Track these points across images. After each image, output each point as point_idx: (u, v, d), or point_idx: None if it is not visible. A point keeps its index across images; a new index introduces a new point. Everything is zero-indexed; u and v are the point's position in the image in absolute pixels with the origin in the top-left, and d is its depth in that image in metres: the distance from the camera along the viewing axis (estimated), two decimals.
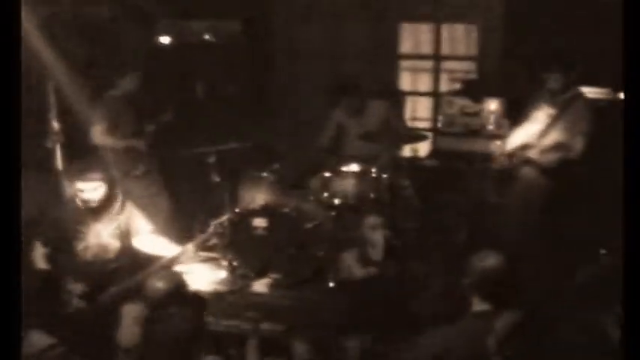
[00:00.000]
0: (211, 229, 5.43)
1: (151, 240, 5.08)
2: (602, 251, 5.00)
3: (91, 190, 4.80)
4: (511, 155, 5.58)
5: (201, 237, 5.36)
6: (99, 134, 6.00)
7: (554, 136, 5.40)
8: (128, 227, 4.99)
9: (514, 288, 3.89)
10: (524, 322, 3.75)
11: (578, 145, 5.30)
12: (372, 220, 5.39)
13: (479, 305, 3.87)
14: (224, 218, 5.53)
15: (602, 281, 4.44)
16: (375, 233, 5.31)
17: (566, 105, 5.36)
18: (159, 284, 4.34)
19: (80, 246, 4.84)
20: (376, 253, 5.27)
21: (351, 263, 5.36)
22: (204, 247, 5.80)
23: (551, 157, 5.37)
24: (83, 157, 5.77)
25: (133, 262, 4.95)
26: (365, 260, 5.35)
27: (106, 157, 5.92)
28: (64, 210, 5.03)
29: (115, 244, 4.93)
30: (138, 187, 6.07)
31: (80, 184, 4.80)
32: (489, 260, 3.89)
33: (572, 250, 5.22)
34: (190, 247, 5.13)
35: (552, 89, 5.41)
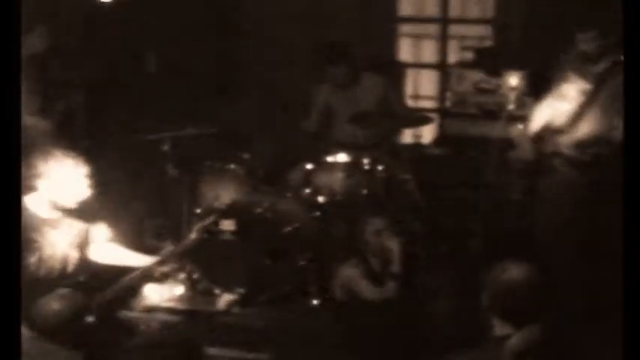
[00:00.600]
0: (194, 235, 5.36)
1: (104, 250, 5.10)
2: None
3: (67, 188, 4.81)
4: (537, 142, 5.56)
5: (181, 244, 5.33)
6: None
7: (588, 120, 5.37)
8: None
9: (542, 305, 3.91)
10: (548, 340, 3.78)
11: (620, 131, 5.24)
12: (377, 222, 5.39)
13: (501, 328, 3.89)
14: (211, 219, 5.51)
15: None
16: (386, 240, 5.30)
17: (603, 78, 5.31)
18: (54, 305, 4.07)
19: (32, 259, 4.76)
20: (394, 266, 5.24)
21: (355, 279, 5.30)
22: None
23: (586, 147, 5.34)
24: None
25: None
26: (373, 275, 5.31)
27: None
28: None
29: (71, 255, 4.89)
30: None
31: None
32: (513, 273, 3.91)
33: (612, 259, 5.25)
34: (166, 256, 5.16)
35: (585, 52, 5.29)
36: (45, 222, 4.76)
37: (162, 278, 5.62)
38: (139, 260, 5.11)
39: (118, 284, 4.87)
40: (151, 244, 6.17)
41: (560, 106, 5.45)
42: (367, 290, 5.21)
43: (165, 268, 5.69)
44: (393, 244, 5.24)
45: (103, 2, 6.68)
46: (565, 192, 5.46)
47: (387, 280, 5.19)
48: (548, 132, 5.51)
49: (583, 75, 5.35)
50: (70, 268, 4.85)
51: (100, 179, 6.29)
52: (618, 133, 5.13)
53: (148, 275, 5.19)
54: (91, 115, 6.58)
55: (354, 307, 5.21)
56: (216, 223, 5.47)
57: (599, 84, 5.27)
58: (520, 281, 3.87)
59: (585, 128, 5.35)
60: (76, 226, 4.90)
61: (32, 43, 5.92)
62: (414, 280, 5.61)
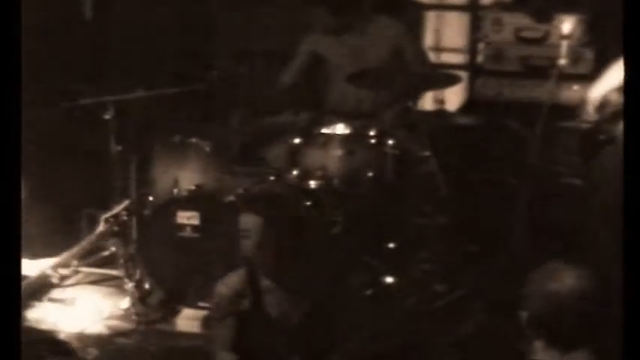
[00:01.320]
0: (100, 227, 5.36)
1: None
2: None
3: None
4: (602, 108, 5.52)
5: (84, 242, 5.33)
6: None
7: None
8: None
9: (600, 324, 3.91)
10: None
11: None
12: None
13: (543, 353, 3.89)
14: (121, 207, 5.48)
15: None
16: None
17: None
18: None
19: None
20: None
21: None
22: (93, 259, 5.83)
23: None
24: None
25: None
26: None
27: None
28: None
29: None
30: None
31: None
32: (565, 281, 3.90)
33: None
34: (69, 258, 5.14)
35: None
36: None
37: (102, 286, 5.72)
38: (32, 267, 5.15)
39: None
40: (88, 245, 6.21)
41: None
42: None
43: (107, 272, 5.79)
44: None
45: None
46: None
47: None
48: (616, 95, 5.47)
49: None
50: None
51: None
52: None
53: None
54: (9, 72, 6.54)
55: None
56: (129, 211, 5.59)
57: None
58: (572, 292, 3.85)
59: None
60: None
61: None
62: (430, 289, 5.65)
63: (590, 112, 5.52)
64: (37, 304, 5.58)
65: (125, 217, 5.68)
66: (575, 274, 3.89)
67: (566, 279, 3.88)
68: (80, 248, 5.39)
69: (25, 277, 5.26)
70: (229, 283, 4.64)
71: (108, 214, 5.56)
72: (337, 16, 6.34)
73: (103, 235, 5.56)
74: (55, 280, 5.61)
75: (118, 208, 5.60)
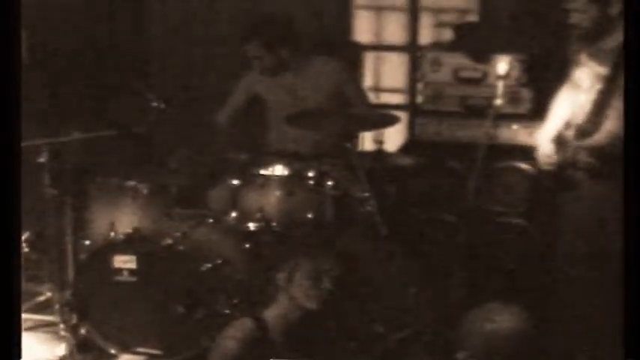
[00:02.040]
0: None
1: None
2: None
3: None
4: (558, 146, 5.48)
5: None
6: None
7: (617, 114, 5.34)
8: None
9: None
10: None
11: None
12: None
13: None
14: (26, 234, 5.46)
15: None
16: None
17: (618, 58, 5.32)
18: None
19: None
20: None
21: None
22: (28, 305, 5.90)
23: (608, 148, 5.32)
24: None
25: None
26: None
27: None
28: None
29: None
30: None
31: None
32: (501, 320, 3.91)
33: None
34: None
35: (580, 26, 5.32)
36: None
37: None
38: None
39: None
40: (23, 289, 6.14)
41: (576, 99, 5.47)
42: None
43: (43, 318, 5.76)
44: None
45: None
46: (585, 212, 5.45)
47: None
48: (568, 133, 5.49)
49: (593, 55, 5.36)
50: None
51: None
52: None
53: None
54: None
55: None
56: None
57: (618, 67, 5.27)
58: (508, 332, 3.87)
59: (607, 126, 5.33)
60: None
61: None
62: (371, 331, 5.65)
63: (548, 154, 5.55)
64: None
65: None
66: (512, 314, 3.92)
67: (502, 320, 3.90)
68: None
69: None
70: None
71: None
72: (271, 54, 6.34)
73: None
74: None
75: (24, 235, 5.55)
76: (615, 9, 5.16)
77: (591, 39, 5.31)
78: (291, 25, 6.49)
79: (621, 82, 5.17)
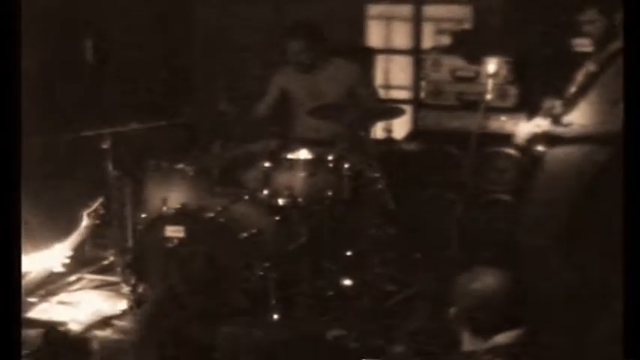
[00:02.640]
0: (85, 221, 5.35)
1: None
2: None
3: None
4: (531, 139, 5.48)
5: (74, 235, 5.33)
6: None
7: (586, 105, 5.36)
8: None
9: (517, 316, 3.92)
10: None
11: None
12: None
13: (469, 343, 3.90)
14: (97, 203, 5.52)
15: None
16: None
17: (609, 61, 5.29)
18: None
19: None
20: None
21: None
22: (95, 267, 5.92)
23: (589, 135, 5.27)
24: None
25: None
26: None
27: None
28: None
29: None
30: None
31: None
32: (485, 281, 3.91)
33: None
34: (59, 250, 5.16)
35: (591, 33, 5.31)
36: None
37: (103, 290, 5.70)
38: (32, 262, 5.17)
39: None
40: (90, 255, 6.18)
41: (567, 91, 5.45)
42: None
43: (107, 278, 5.78)
44: None
45: None
46: (560, 190, 5.48)
47: None
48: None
49: (593, 58, 5.34)
50: None
51: (31, 182, 6.36)
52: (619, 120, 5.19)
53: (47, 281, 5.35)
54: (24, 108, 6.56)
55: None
56: (104, 205, 5.58)
57: (604, 67, 5.27)
58: (493, 291, 3.88)
59: (586, 112, 5.32)
60: None
61: None
62: (382, 289, 5.68)
63: (521, 142, 5.59)
64: (46, 305, 5.57)
65: (102, 212, 5.62)
66: (495, 275, 3.94)
67: (486, 279, 3.92)
68: (72, 240, 5.38)
69: (28, 272, 5.25)
70: None
71: (89, 210, 5.51)
72: (309, 51, 6.36)
73: (88, 228, 5.51)
74: (56, 270, 5.55)
75: (96, 204, 5.55)
76: (619, 18, 5.14)
77: (598, 44, 5.30)
78: (322, 30, 6.55)
79: (603, 79, 5.22)
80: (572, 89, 5.37)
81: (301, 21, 6.59)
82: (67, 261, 5.41)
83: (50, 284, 5.73)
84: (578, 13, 5.29)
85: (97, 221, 5.47)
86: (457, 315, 3.89)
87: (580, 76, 5.37)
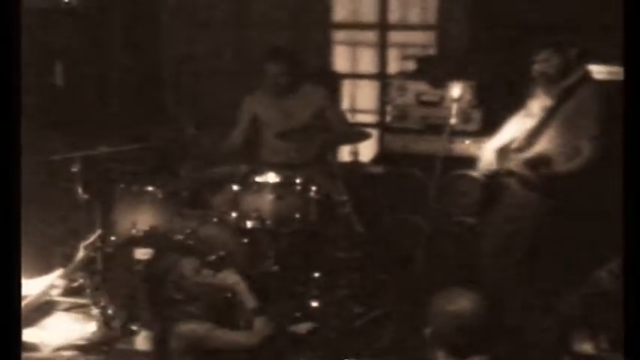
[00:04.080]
0: (81, 254, 5.32)
1: None
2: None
3: None
4: (499, 158, 5.68)
5: (70, 266, 5.29)
6: None
7: (551, 137, 5.46)
8: None
9: (489, 337, 3.93)
10: None
11: (586, 152, 5.36)
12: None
13: None
14: (95, 235, 5.46)
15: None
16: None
17: (567, 94, 5.43)
18: None
19: None
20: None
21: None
22: (64, 289, 5.85)
23: (542, 166, 5.43)
24: None
25: None
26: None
27: None
28: None
29: None
30: None
31: None
32: (461, 303, 3.91)
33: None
34: (57, 279, 5.13)
35: (544, 73, 5.50)
36: None
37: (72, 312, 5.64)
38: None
39: None
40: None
41: (525, 123, 5.66)
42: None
43: (77, 300, 5.74)
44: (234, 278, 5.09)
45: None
46: (519, 214, 5.52)
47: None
48: (509, 149, 5.68)
49: (547, 91, 5.55)
50: None
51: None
52: (586, 149, 5.27)
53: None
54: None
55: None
56: (102, 239, 5.55)
57: (561, 101, 5.39)
58: (467, 312, 3.88)
59: (545, 143, 5.49)
60: None
61: None
62: (350, 310, 5.66)
63: (488, 165, 5.64)
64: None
65: (99, 244, 5.56)
66: (469, 297, 3.93)
67: (462, 302, 3.91)
68: (68, 270, 5.36)
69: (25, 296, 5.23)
70: None
71: (86, 242, 5.48)
72: (285, 75, 6.38)
73: (84, 260, 5.48)
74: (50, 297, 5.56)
75: (92, 237, 5.51)
76: (573, 53, 5.38)
77: (552, 81, 5.47)
78: (298, 56, 6.64)
79: (561, 113, 5.30)
80: (532, 123, 5.46)
81: (280, 46, 6.74)
82: (60, 290, 5.39)
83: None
84: (533, 53, 5.49)
85: (93, 253, 5.42)
86: (432, 335, 3.89)
87: (536, 109, 5.46)
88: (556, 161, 5.40)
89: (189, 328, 4.91)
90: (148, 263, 5.38)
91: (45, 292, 5.28)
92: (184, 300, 5.05)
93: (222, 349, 4.87)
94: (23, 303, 5.20)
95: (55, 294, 5.88)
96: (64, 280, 5.95)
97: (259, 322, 4.90)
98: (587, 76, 5.53)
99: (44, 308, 5.78)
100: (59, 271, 5.35)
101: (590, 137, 5.34)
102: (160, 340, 5.01)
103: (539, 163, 5.41)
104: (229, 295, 5.03)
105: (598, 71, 5.86)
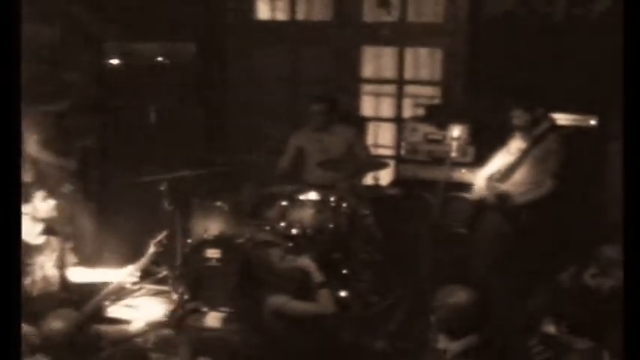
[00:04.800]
0: (152, 249, 5.39)
1: (80, 271, 5.22)
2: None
3: (44, 207, 4.97)
4: (487, 185, 5.69)
5: (142, 259, 5.34)
6: (33, 144, 6.06)
7: (524, 172, 5.53)
8: (63, 257, 5.12)
9: (480, 322, 3.94)
10: (480, 346, 3.82)
11: (548, 185, 5.45)
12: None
13: (444, 342, 3.92)
14: (162, 235, 5.51)
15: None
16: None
17: (536, 141, 5.50)
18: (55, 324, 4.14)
19: (27, 280, 4.85)
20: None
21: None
22: (152, 279, 5.88)
23: (520, 195, 5.51)
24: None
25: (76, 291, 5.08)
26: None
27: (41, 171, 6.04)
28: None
29: (56, 275, 5.01)
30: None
31: (37, 202, 4.95)
32: (459, 296, 3.94)
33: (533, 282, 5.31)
34: (132, 270, 5.23)
35: (519, 125, 5.58)
36: (36, 248, 4.97)
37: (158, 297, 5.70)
38: (111, 276, 5.21)
39: (94, 300, 4.98)
40: (150, 269, 6.16)
41: (505, 159, 5.70)
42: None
43: (161, 288, 5.78)
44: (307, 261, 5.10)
45: (112, 66, 6.84)
46: (503, 229, 5.57)
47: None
48: (492, 177, 5.70)
49: (522, 136, 5.60)
50: (54, 287, 5.03)
51: (106, 215, 6.41)
52: (548, 183, 5.38)
53: (120, 291, 5.33)
54: (102, 159, 6.67)
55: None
56: (170, 238, 5.58)
57: (532, 145, 5.47)
58: (464, 304, 3.91)
59: (520, 176, 5.57)
60: (58, 251, 5.11)
61: (58, 105, 6.31)
62: (371, 299, 5.66)
63: (479, 190, 5.68)
64: (115, 307, 5.55)
65: (165, 242, 5.57)
66: (465, 292, 3.96)
67: (459, 295, 3.94)
68: (141, 263, 5.38)
69: (109, 283, 5.22)
70: None
71: (155, 240, 5.51)
72: (325, 115, 6.41)
73: (154, 255, 5.50)
74: (128, 285, 5.55)
75: (161, 236, 5.54)
76: (540, 111, 5.51)
77: (526, 130, 5.54)
78: (337, 101, 6.68)
79: (532, 154, 5.38)
80: (510, 159, 5.56)
81: (321, 94, 6.73)
82: (137, 279, 5.43)
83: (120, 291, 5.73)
84: (508, 111, 5.58)
85: (161, 249, 5.48)
86: (436, 321, 3.93)
87: (514, 149, 5.59)
88: (521, 193, 5.50)
89: (274, 300, 4.94)
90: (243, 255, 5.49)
91: (126, 280, 5.31)
92: (272, 280, 5.11)
93: (297, 317, 4.88)
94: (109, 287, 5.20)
95: (143, 282, 5.91)
96: (149, 273, 6.01)
97: (323, 294, 4.89)
98: (552, 127, 5.60)
99: (135, 293, 5.86)
100: (134, 265, 5.38)
101: (553, 174, 5.44)
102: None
103: (504, 197, 5.52)
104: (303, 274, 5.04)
105: (561, 118, 5.99)
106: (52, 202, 5.04)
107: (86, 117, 6.62)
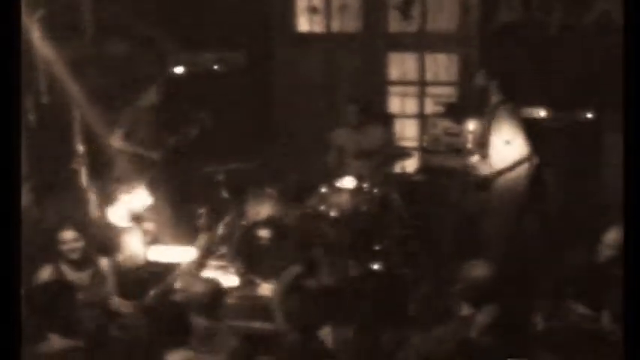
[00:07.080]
0: (220, 229, 5.44)
1: (160, 250, 5.32)
2: None
3: (137, 200, 5.11)
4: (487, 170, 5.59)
5: (210, 236, 5.37)
6: (118, 139, 6.03)
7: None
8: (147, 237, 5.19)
9: (498, 292, 3.91)
10: (501, 315, 3.78)
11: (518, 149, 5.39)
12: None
13: (467, 310, 3.90)
14: (229, 218, 5.52)
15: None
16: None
17: (492, 115, 5.47)
18: (197, 288, 4.22)
19: (120, 257, 4.97)
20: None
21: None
22: (215, 256, 5.89)
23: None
24: (105, 177, 5.86)
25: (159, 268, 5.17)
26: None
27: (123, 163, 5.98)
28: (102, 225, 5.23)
29: (141, 253, 5.10)
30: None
31: (126, 197, 5.07)
32: (479, 270, 3.93)
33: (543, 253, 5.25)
34: (202, 242, 5.37)
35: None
36: (123, 230, 5.07)
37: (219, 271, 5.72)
38: (185, 255, 5.33)
39: (170, 277, 5.08)
40: (212, 248, 6.17)
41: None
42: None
43: (221, 263, 5.80)
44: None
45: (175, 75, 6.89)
46: (508, 203, 5.49)
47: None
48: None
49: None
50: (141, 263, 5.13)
51: (175, 202, 6.42)
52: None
53: (194, 268, 5.39)
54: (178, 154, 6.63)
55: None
56: (233, 223, 5.68)
57: (490, 120, 5.54)
58: (485, 276, 3.89)
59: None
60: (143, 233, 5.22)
61: (148, 98, 6.17)
62: (399, 271, 5.62)
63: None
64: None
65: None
66: (486, 266, 3.94)
67: (481, 269, 3.92)
68: (207, 243, 5.46)
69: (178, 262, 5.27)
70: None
71: (224, 222, 5.54)
72: (359, 115, 6.28)
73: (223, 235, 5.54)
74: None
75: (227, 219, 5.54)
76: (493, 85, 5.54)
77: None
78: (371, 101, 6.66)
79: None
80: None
81: (355, 96, 6.72)
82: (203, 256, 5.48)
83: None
84: None
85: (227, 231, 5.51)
86: (460, 291, 3.90)
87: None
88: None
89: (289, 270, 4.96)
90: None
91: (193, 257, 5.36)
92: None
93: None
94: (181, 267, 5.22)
95: (207, 260, 5.92)
96: (213, 251, 6.01)
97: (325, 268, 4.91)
98: (503, 100, 5.53)
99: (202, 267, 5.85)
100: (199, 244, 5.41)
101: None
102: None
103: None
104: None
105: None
106: (147, 198, 5.16)
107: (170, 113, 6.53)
